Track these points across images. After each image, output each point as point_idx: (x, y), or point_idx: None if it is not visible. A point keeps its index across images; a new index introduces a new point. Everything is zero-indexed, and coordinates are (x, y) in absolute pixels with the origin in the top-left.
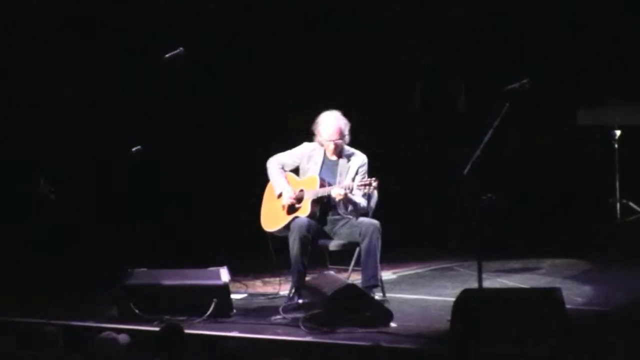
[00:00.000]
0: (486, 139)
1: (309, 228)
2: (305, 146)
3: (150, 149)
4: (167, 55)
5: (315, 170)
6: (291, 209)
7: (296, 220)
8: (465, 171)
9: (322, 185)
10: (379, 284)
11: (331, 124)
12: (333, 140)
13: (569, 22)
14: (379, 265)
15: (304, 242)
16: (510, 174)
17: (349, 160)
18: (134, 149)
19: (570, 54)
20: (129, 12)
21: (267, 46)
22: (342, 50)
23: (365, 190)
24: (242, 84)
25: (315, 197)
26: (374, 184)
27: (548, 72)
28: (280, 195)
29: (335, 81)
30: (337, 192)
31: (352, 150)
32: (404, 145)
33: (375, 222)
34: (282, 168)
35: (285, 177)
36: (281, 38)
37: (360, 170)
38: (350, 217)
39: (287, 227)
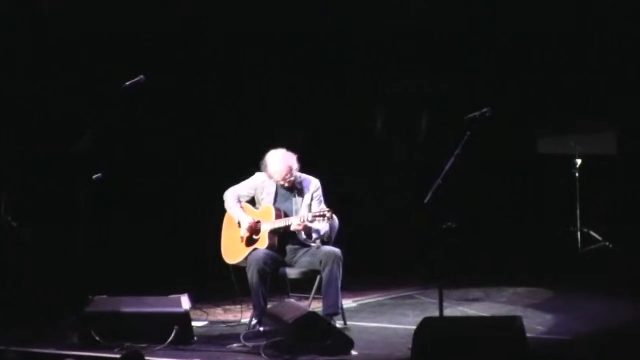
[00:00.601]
0: (447, 167)
1: (266, 260)
2: (258, 177)
3: (113, 172)
4: (127, 84)
5: (269, 200)
6: (250, 241)
7: (254, 253)
8: (427, 200)
9: (278, 216)
10: (340, 312)
11: (279, 165)
12: (285, 180)
13: (531, 51)
14: (340, 293)
15: (262, 274)
16: (471, 202)
17: (302, 187)
18: (94, 177)
19: (531, 83)
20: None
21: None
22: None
23: (321, 221)
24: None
25: (272, 229)
26: (328, 214)
27: (509, 101)
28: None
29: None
30: (294, 224)
31: (303, 176)
32: (367, 174)
33: (337, 250)
34: (239, 200)
35: (242, 208)
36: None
37: (315, 195)
38: (314, 244)
39: (247, 259)
